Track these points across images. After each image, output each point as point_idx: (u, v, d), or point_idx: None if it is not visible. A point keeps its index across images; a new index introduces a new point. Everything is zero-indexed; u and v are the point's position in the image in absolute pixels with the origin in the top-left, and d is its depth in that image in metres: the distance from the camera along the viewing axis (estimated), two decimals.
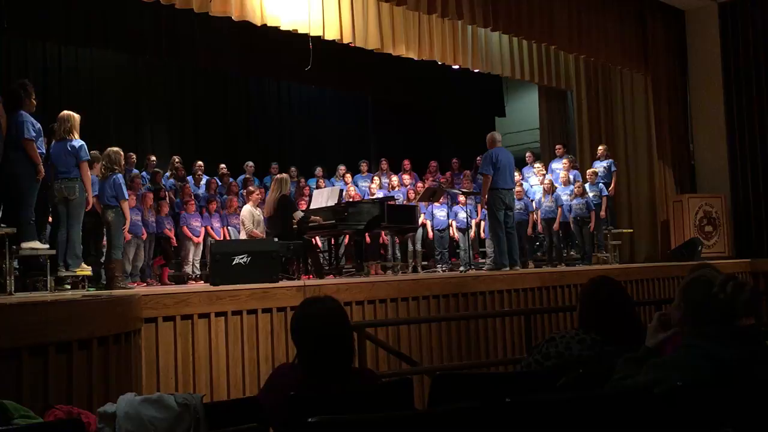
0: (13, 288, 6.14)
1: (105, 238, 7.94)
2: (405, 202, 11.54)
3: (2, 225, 6.28)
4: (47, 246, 6.76)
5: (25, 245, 6.43)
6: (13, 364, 3.74)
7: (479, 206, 11.63)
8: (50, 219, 7.54)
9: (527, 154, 13.29)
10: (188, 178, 11.46)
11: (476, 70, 11.65)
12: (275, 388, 2.77)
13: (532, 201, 11.84)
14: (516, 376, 3.32)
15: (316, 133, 15.21)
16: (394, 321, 6.62)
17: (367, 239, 10.82)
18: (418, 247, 11.76)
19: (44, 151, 6.88)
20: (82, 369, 4.06)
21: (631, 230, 12.32)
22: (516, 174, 11.24)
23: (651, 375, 2.43)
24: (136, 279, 9.33)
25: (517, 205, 11.17)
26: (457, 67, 11.40)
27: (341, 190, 10.69)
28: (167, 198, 10.60)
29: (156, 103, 13.36)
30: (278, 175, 9.27)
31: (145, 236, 9.65)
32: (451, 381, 2.92)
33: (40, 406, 3.27)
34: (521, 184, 11.68)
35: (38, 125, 6.72)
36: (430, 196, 10.93)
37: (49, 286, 6.68)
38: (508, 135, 16.14)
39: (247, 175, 12.26)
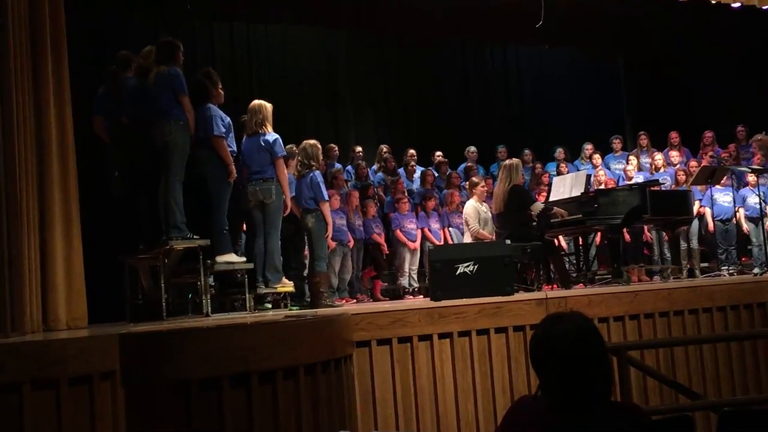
0: (209, 308, 6.67)
1: (306, 248, 8.37)
2: (674, 187, 11.11)
3: (195, 236, 6.81)
4: (243, 259, 7.25)
5: (220, 258, 6.93)
6: (213, 396, 4.08)
7: None
8: (244, 227, 8.07)
9: None
10: (399, 170, 11.80)
11: (765, 7, 10.93)
12: (515, 426, 2.80)
13: None
14: None
15: (554, 105, 15.05)
16: (666, 341, 6.43)
17: (626, 237, 10.53)
18: (694, 244, 11.27)
19: (235, 149, 7.37)
20: (289, 402, 4.32)
21: None
22: None
23: None
24: (344, 294, 9.71)
25: None
26: (737, 5, 10.77)
27: (589, 176, 10.51)
28: (375, 196, 10.96)
29: (357, 83, 13.84)
30: (507, 161, 9.28)
31: (352, 243, 10.00)
32: (744, 419, 2.80)
33: None
34: None
35: (227, 119, 7.21)
36: (708, 177, 10.45)
37: (248, 305, 7.17)
38: None
39: (470, 163, 12.40)
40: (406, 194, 10.96)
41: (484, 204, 9.88)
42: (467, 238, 9.71)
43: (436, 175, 11.88)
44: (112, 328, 5.08)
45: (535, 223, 8.84)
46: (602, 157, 12.47)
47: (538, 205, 8.80)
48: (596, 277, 9.89)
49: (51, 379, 3.77)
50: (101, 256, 7.77)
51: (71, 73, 6.18)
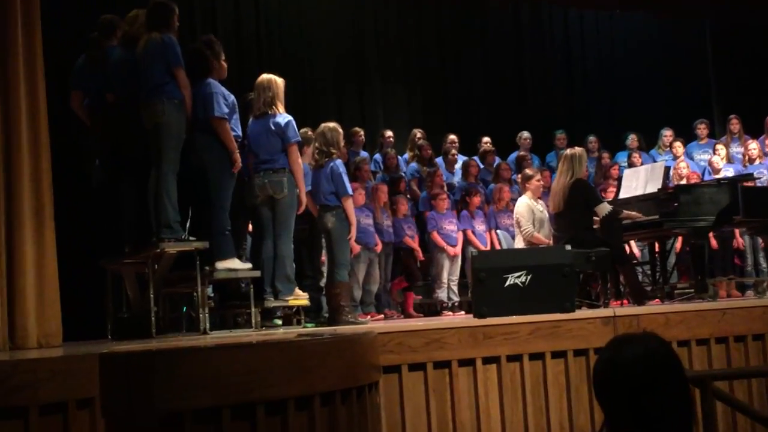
0: (207, 324, 6.70)
1: (325, 253, 8.39)
2: None
3: (190, 237, 6.85)
4: (249, 265, 7.27)
5: (220, 265, 6.95)
6: (210, 429, 4.09)
7: None
8: (250, 227, 8.08)
9: None
10: (437, 160, 11.80)
11: None
12: None
13: None
14: None
15: (626, 83, 14.98)
16: (760, 370, 6.39)
17: (713, 243, 10.46)
18: None
19: (240, 133, 7.39)
20: None
21: None
22: None
23: None
24: (370, 309, 9.73)
25: None
26: None
27: (667, 168, 10.44)
28: (408, 191, 10.95)
29: (387, 54, 13.80)
30: (569, 150, 9.22)
31: (379, 247, 10.01)
32: None
33: None
34: None
35: (231, 97, 7.23)
36: None
37: (253, 321, 7.19)
38: None
39: (522, 152, 12.37)
40: (445, 189, 10.95)
41: (540, 202, 9.84)
42: (519, 243, 9.68)
43: (482, 166, 11.86)
44: (92, 347, 5.11)
45: (599, 226, 8.77)
46: (684, 146, 12.38)
47: (605, 207, 8.69)
48: (676, 292, 9.83)
49: (18, 407, 3.79)
50: (79, 261, 7.84)
51: (45, 40, 6.21)
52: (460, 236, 10.69)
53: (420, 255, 10.57)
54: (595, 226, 8.75)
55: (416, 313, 10.39)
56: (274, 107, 7.54)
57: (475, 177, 11.48)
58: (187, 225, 7.11)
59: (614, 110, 14.64)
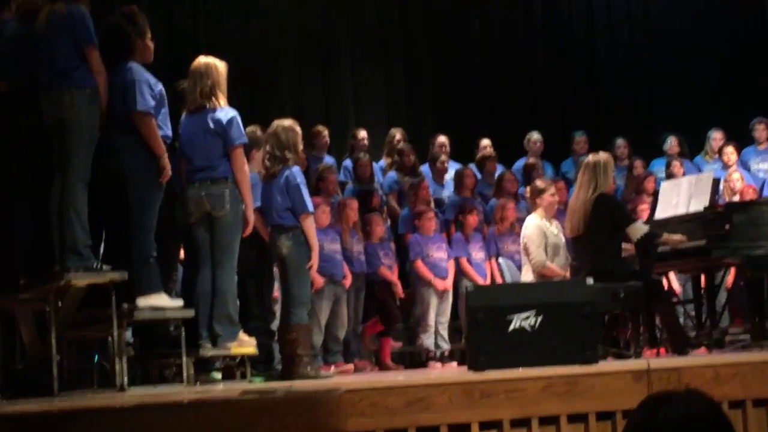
0: (125, 379, 6.66)
1: (278, 287, 8.35)
2: None
3: (104, 266, 6.80)
4: (180, 302, 7.23)
5: (142, 301, 6.90)
6: None
7: None
8: (182, 253, 8.05)
9: None
10: (423, 168, 11.80)
11: None
12: None
13: None
14: None
15: (665, 74, 15.04)
16: None
17: None
18: None
19: (170, 133, 7.37)
20: None
21: None
22: None
23: None
24: (336, 359, 9.74)
25: None
26: None
27: (717, 180, 10.48)
28: (385, 207, 10.94)
29: (361, 30, 13.85)
30: (591, 157, 9.26)
31: (348, 280, 10.02)
32: None
33: None
34: None
35: (159, 86, 7.21)
36: None
37: (185, 374, 7.15)
38: None
39: (532, 159, 12.39)
40: (432, 205, 10.96)
41: (554, 222, 9.86)
42: (527, 275, 9.69)
43: (480, 176, 11.87)
44: None
45: (631, 254, 8.78)
46: (738, 152, 12.43)
47: (639, 228, 8.68)
48: (727, 338, 9.85)
49: None
50: None
51: None
52: (451, 266, 10.69)
53: (399, 290, 10.56)
54: (624, 254, 8.76)
55: (395, 365, 10.38)
56: (213, 99, 7.52)
57: (471, 190, 11.50)
58: (101, 250, 7.07)
59: (649, 107, 14.71)
